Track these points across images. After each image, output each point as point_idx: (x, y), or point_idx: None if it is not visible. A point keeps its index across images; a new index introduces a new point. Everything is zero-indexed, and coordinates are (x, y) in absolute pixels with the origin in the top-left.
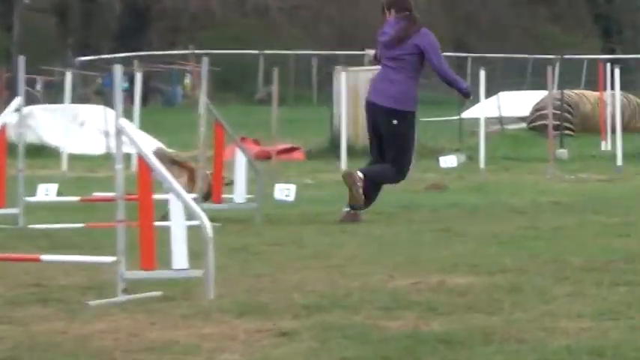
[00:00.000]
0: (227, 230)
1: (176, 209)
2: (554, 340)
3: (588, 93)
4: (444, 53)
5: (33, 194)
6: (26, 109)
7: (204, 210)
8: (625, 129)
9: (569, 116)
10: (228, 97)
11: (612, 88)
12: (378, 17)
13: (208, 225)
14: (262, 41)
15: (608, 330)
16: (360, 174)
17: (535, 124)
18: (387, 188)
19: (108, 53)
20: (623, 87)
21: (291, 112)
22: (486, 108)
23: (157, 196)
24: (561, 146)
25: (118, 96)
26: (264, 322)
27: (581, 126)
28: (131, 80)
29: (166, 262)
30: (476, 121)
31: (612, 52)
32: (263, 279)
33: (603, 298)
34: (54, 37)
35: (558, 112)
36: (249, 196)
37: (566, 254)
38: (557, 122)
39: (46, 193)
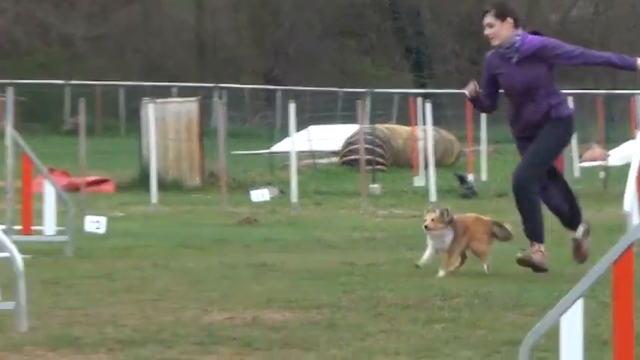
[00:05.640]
0: (38, 263)
1: None
2: None
3: (400, 128)
4: (253, 86)
5: None
6: None
7: (13, 242)
8: (437, 164)
9: (380, 151)
10: (35, 128)
11: (424, 122)
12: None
13: (18, 257)
14: (68, 71)
15: None
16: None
17: (347, 158)
18: (197, 222)
19: None
20: (435, 122)
21: (99, 143)
22: (297, 141)
23: None
24: (374, 181)
25: None
26: (78, 356)
27: (393, 161)
28: None
29: None
30: (287, 154)
31: (423, 86)
32: (76, 312)
33: (419, 335)
34: None
35: (370, 146)
36: (60, 228)
37: (380, 290)
38: (369, 157)
39: None
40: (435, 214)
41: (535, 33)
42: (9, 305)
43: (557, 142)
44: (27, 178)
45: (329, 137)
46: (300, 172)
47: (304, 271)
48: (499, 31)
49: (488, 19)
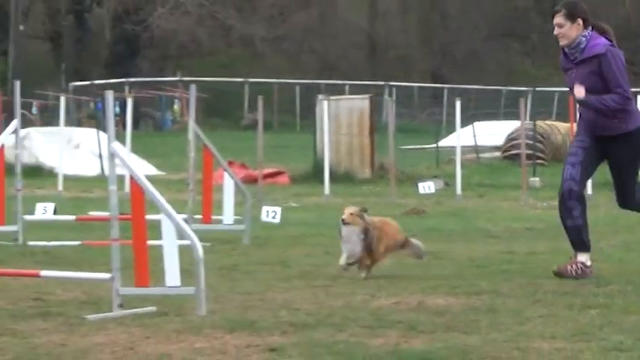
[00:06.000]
0: (217, 250)
1: (168, 229)
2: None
3: (559, 124)
4: (421, 84)
5: (31, 213)
6: (23, 132)
7: (194, 230)
8: None
9: (541, 146)
10: (216, 123)
11: None
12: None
13: (199, 245)
14: (248, 70)
15: (581, 351)
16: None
17: (509, 153)
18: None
19: (98, 79)
20: None
21: (275, 137)
22: (462, 137)
23: (149, 216)
24: (534, 174)
25: (111, 120)
26: (254, 338)
27: (553, 156)
28: (122, 105)
29: (159, 280)
30: (452, 149)
31: None
32: (252, 297)
33: (575, 320)
34: (48, 63)
35: (531, 142)
36: (237, 217)
37: (539, 278)
38: (530, 152)
39: (44, 211)
40: (354, 209)
41: (603, 33)
42: (189, 290)
43: (638, 161)
44: (208, 170)
45: (492, 133)
46: (464, 165)
47: (467, 259)
48: (568, 32)
49: (558, 19)
